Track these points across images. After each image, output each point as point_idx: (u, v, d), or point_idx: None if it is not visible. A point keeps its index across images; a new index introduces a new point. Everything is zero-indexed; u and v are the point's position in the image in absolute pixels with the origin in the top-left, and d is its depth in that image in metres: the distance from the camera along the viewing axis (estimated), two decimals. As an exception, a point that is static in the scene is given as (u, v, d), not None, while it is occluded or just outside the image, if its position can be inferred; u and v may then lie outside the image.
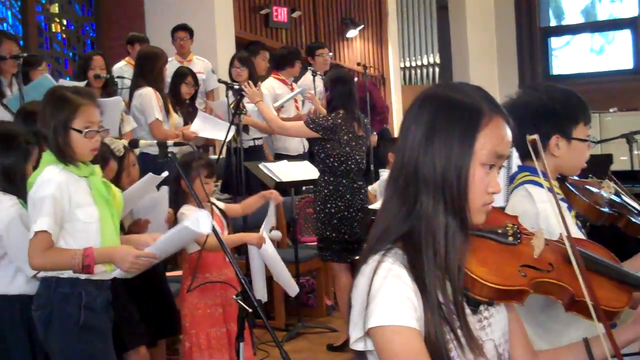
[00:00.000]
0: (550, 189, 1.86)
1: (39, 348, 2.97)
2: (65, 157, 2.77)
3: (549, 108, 2.27)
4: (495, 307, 1.67)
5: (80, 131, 2.76)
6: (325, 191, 4.88)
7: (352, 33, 11.06)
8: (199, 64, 7.22)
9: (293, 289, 4.16)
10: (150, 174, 3.40)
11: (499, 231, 1.69)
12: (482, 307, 1.63)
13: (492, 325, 1.66)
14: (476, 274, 1.54)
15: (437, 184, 1.52)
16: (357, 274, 1.57)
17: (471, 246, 1.56)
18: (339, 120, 4.86)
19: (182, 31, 7.23)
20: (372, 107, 7.58)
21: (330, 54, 8.18)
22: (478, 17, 12.98)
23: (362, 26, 11.16)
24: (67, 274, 2.78)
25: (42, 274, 2.79)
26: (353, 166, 4.91)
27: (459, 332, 1.49)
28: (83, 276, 2.79)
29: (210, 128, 5.76)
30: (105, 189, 2.88)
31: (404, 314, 1.46)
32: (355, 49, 11.23)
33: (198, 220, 2.75)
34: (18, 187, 2.90)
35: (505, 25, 13.28)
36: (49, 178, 2.72)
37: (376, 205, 4.86)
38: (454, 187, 1.52)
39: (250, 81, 5.46)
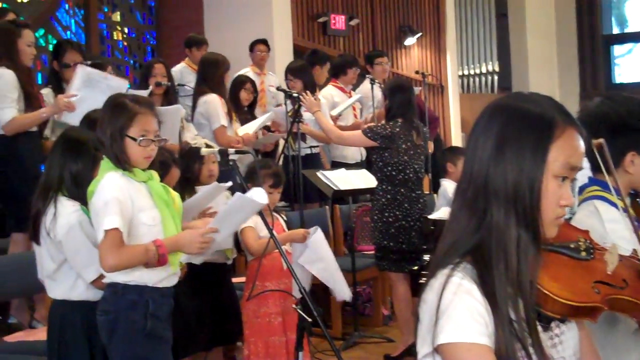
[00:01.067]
0: (625, 209, 1.80)
1: (99, 354, 3.00)
2: (121, 163, 2.80)
3: (627, 123, 2.17)
4: (567, 325, 1.63)
5: (134, 139, 2.79)
6: (383, 200, 4.84)
7: (410, 41, 11.01)
8: (272, 79, 7.41)
9: (344, 292, 4.05)
10: (216, 182, 3.42)
11: (571, 246, 1.65)
12: (553, 324, 1.59)
13: (564, 342, 1.61)
14: (548, 290, 1.50)
15: (508, 196, 1.48)
16: (424, 288, 1.53)
17: (543, 261, 1.52)
18: (397, 129, 4.82)
19: (262, 44, 7.47)
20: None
21: (389, 62, 8.14)
22: (538, 24, 12.80)
23: (420, 34, 11.09)
24: (135, 281, 2.80)
25: (108, 280, 2.81)
26: (411, 175, 4.87)
27: (530, 349, 1.45)
28: (150, 283, 2.82)
29: (254, 124, 5.88)
30: (165, 192, 2.90)
31: (475, 330, 1.42)
32: (413, 57, 11.17)
33: (254, 192, 2.85)
34: (84, 193, 2.93)
35: (566, 32, 13.07)
36: (111, 183, 2.75)
37: (435, 215, 4.81)
38: (526, 200, 1.48)
39: (307, 91, 5.46)
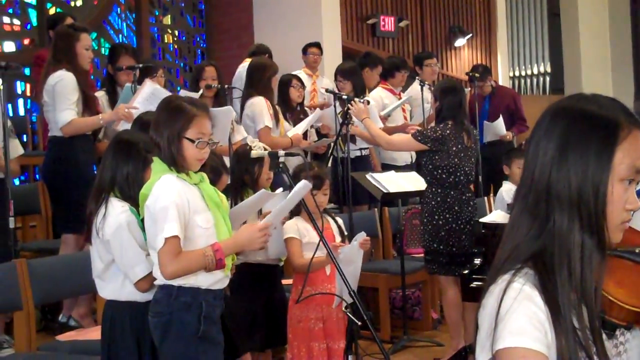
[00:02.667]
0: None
1: (147, 354, 3.02)
2: (177, 165, 2.81)
3: None
4: (632, 332, 1.58)
5: (192, 141, 2.80)
6: (433, 203, 4.79)
7: (460, 42, 10.91)
8: (324, 81, 7.45)
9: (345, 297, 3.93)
10: (263, 190, 3.41)
11: (637, 251, 1.60)
12: (618, 332, 1.54)
13: (628, 351, 1.56)
14: (614, 296, 1.46)
15: (572, 201, 1.44)
16: (484, 294, 1.50)
17: (607, 266, 1.47)
18: (448, 132, 4.76)
19: (316, 47, 7.52)
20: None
21: (438, 63, 8.09)
22: (591, 23, 12.57)
23: (470, 35, 10.99)
24: (189, 283, 2.81)
25: (161, 282, 2.83)
26: (462, 177, 4.81)
27: (595, 358, 1.40)
28: (204, 286, 2.82)
29: (302, 125, 5.90)
30: (215, 194, 2.92)
31: (532, 336, 1.38)
32: (463, 58, 11.07)
33: (304, 185, 3.00)
34: (134, 195, 2.96)
35: (620, 32, 12.81)
36: (168, 186, 2.76)
37: (486, 218, 4.74)
38: (590, 204, 1.43)
39: (356, 99, 5.44)
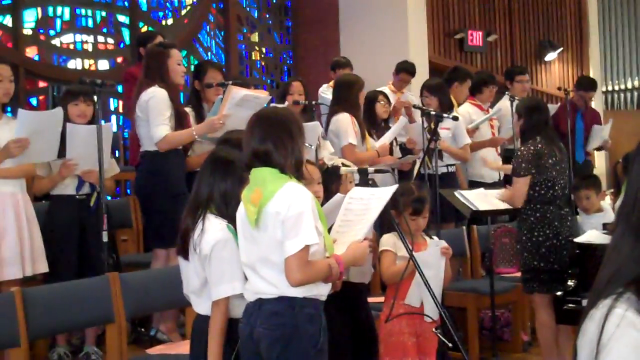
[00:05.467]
0: None
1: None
2: (299, 173, 2.82)
3: None
4: None
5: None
6: (532, 219, 4.66)
7: (550, 56, 10.67)
8: (408, 96, 7.37)
9: (433, 311, 3.73)
10: (339, 194, 3.37)
11: None
12: None
13: None
14: None
15: (680, 221, 1.36)
16: (584, 318, 1.43)
17: None
18: (540, 146, 4.65)
19: (408, 75, 7.43)
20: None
21: (528, 81, 7.94)
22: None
23: (561, 48, 10.73)
24: (312, 294, 2.77)
25: (278, 294, 2.77)
26: (559, 192, 4.69)
27: None
28: (323, 297, 2.80)
29: (388, 135, 5.89)
30: (317, 203, 2.88)
31: None
32: (553, 73, 10.82)
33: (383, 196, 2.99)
34: (231, 212, 2.96)
35: None
36: (301, 193, 2.73)
37: (581, 238, 4.58)
38: None
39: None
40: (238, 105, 4.78)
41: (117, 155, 7.24)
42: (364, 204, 3.07)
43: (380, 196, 3.04)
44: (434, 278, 3.46)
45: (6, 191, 4.43)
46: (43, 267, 4.52)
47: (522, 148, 4.73)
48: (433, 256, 3.63)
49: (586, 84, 8.06)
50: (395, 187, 3.07)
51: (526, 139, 4.76)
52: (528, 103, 5.05)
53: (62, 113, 4.50)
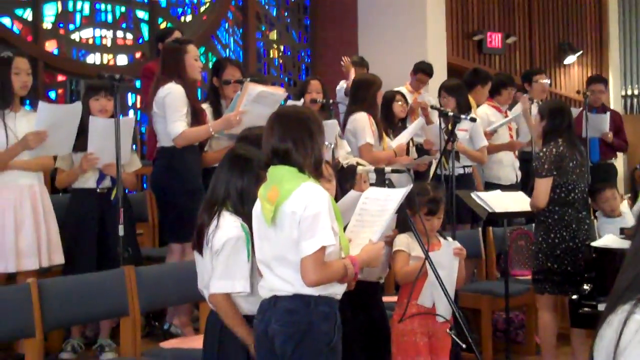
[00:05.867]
0: None
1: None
2: (318, 172, 2.81)
3: None
4: None
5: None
6: (550, 220, 4.64)
7: (570, 59, 10.61)
8: (425, 96, 7.39)
9: (447, 311, 3.70)
10: (353, 190, 3.37)
11: None
12: None
13: None
14: None
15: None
16: (601, 323, 1.42)
17: None
18: (562, 148, 4.63)
19: (425, 75, 7.47)
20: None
21: (548, 80, 7.88)
22: None
23: (580, 52, 10.67)
24: (327, 292, 2.76)
25: (293, 291, 2.76)
26: (579, 195, 4.67)
27: None
28: (338, 296, 2.80)
29: (405, 135, 5.89)
30: (335, 203, 2.87)
31: None
32: (573, 76, 10.76)
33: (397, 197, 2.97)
34: (247, 211, 2.96)
35: None
36: (318, 193, 2.72)
37: (598, 242, 4.56)
38: None
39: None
40: (255, 102, 4.79)
41: (134, 149, 7.27)
42: (380, 205, 3.06)
43: (394, 197, 3.04)
44: (447, 278, 3.45)
45: (24, 183, 4.46)
46: (59, 259, 4.55)
47: (544, 149, 4.70)
48: (445, 256, 3.63)
49: (593, 78, 7.88)
50: (409, 187, 3.06)
51: (548, 140, 4.73)
52: (552, 105, 5.03)
53: (80, 107, 4.52)
